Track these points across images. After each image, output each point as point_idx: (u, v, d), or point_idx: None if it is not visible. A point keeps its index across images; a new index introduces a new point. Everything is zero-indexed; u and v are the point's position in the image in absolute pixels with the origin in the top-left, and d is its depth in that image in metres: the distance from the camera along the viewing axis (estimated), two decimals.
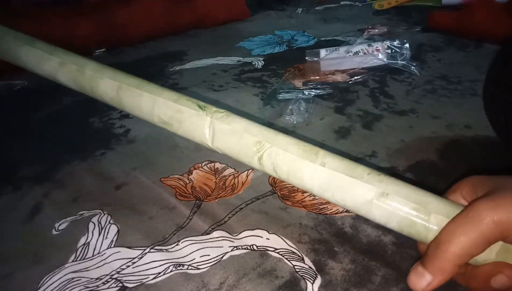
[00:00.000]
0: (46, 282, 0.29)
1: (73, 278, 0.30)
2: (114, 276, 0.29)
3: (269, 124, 0.49)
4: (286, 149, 0.26)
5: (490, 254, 0.20)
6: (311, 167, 0.24)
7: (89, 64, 0.34)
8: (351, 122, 0.48)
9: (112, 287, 0.28)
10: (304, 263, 0.29)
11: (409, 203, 0.22)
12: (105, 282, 0.29)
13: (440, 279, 0.20)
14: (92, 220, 0.35)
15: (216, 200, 0.36)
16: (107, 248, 0.32)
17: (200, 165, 0.42)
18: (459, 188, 0.23)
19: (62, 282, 0.29)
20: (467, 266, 0.21)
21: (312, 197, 0.35)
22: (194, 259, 0.30)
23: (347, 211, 0.33)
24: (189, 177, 0.40)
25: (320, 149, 0.25)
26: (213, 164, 0.42)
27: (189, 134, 0.30)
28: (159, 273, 0.29)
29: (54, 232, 0.35)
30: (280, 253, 0.30)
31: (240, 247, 0.31)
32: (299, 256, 0.29)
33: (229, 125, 0.28)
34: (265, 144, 0.26)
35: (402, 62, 0.61)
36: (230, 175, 0.40)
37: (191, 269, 0.29)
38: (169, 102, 0.30)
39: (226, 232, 0.32)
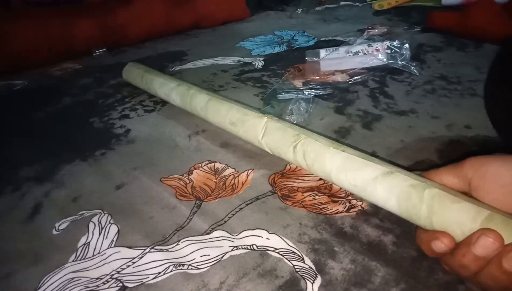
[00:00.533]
0: (46, 282, 0.29)
1: (73, 278, 0.30)
2: (114, 276, 0.29)
3: None
4: (317, 139, 0.33)
5: (475, 223, 0.23)
6: (333, 152, 0.31)
7: (193, 86, 0.49)
8: (351, 123, 0.48)
9: (112, 287, 0.28)
10: (304, 263, 0.29)
11: (409, 179, 0.26)
12: (105, 282, 0.29)
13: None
14: (92, 220, 0.35)
15: (216, 200, 0.36)
16: (107, 248, 0.32)
17: (200, 165, 0.42)
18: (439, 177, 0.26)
19: (62, 282, 0.29)
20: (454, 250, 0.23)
21: (312, 197, 0.35)
22: (194, 259, 0.30)
23: (347, 210, 0.33)
24: (189, 177, 0.40)
25: (343, 144, 0.32)
26: (213, 164, 0.42)
27: (247, 132, 0.40)
28: (159, 273, 0.29)
29: (54, 232, 0.35)
30: (280, 253, 0.30)
31: (240, 247, 0.31)
32: (299, 256, 0.29)
33: (278, 124, 0.37)
34: (301, 136, 0.34)
35: (402, 62, 0.61)
36: (230, 175, 0.40)
37: (191, 269, 0.29)
38: (240, 108, 0.41)
39: (226, 232, 0.32)
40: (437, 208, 0.24)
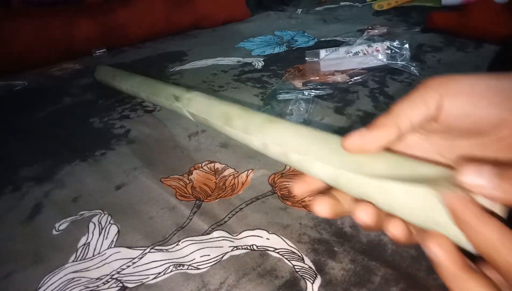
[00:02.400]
0: (46, 282, 0.30)
1: (73, 278, 0.30)
2: (114, 276, 0.29)
3: None
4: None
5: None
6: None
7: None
8: (351, 123, 0.48)
9: (113, 287, 0.28)
10: (304, 263, 0.29)
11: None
12: (105, 282, 0.29)
13: (375, 132, 0.19)
14: (92, 220, 0.35)
15: (216, 200, 0.36)
16: (107, 248, 0.32)
17: (200, 165, 0.42)
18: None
19: (63, 282, 0.29)
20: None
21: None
22: (194, 259, 0.30)
23: None
24: (189, 177, 0.40)
25: None
26: (213, 164, 0.42)
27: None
28: (159, 273, 0.29)
29: (54, 232, 0.35)
30: (280, 253, 0.30)
31: (240, 247, 0.31)
32: (299, 256, 0.29)
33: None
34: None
35: (402, 62, 0.61)
36: (230, 175, 0.40)
37: (191, 269, 0.29)
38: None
39: (226, 232, 0.32)
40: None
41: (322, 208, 0.21)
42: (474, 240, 0.16)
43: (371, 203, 0.20)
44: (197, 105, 0.33)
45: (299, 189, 0.24)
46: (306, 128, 0.24)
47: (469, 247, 0.17)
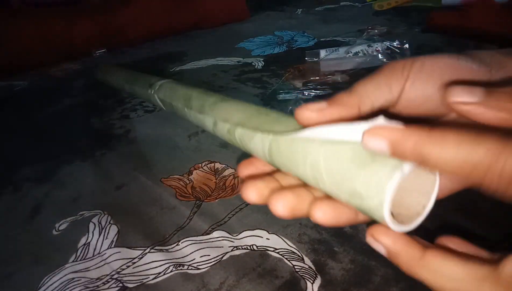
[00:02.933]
0: (46, 282, 0.30)
1: (73, 278, 0.30)
2: (114, 276, 0.29)
3: None
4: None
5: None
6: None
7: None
8: None
9: (112, 287, 0.28)
10: (304, 263, 0.29)
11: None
12: (105, 282, 0.29)
13: (335, 108, 0.18)
14: (92, 220, 0.35)
15: (216, 200, 0.36)
16: (107, 248, 0.32)
17: (200, 165, 0.42)
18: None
19: (62, 282, 0.29)
20: None
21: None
22: (194, 259, 0.30)
23: None
24: (189, 177, 0.40)
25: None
26: (213, 164, 0.42)
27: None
28: (159, 273, 0.29)
29: (54, 232, 0.35)
30: (280, 253, 0.30)
31: (240, 247, 0.31)
32: (299, 256, 0.29)
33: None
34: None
35: None
36: (230, 175, 0.40)
37: (191, 269, 0.29)
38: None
39: (226, 232, 0.32)
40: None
41: (280, 206, 0.18)
42: (421, 274, 0.16)
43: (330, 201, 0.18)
44: (165, 91, 0.34)
45: (244, 169, 0.22)
46: (256, 106, 0.23)
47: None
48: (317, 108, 0.18)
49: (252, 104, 0.24)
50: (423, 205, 0.17)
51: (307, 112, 0.18)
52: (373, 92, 0.18)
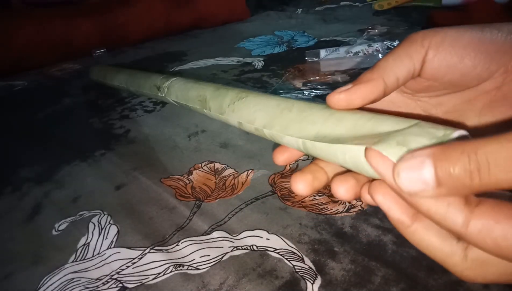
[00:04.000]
0: (46, 283, 0.29)
1: (73, 279, 0.30)
2: (114, 277, 0.29)
3: None
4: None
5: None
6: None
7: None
8: None
9: (112, 288, 0.28)
10: (304, 263, 0.29)
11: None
12: (105, 283, 0.29)
13: (362, 87, 0.19)
14: (92, 221, 0.35)
15: (216, 200, 0.36)
16: (107, 249, 0.32)
17: (200, 165, 0.42)
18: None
19: (62, 283, 0.29)
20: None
21: (312, 197, 0.35)
22: (194, 259, 0.30)
23: (347, 211, 0.33)
24: (189, 177, 0.40)
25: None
26: (213, 164, 0.42)
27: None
28: (159, 273, 0.29)
29: (54, 233, 0.35)
30: (280, 253, 0.30)
31: (240, 248, 0.31)
32: (299, 256, 0.29)
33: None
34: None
35: None
36: (230, 175, 0.40)
37: (191, 269, 0.29)
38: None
39: (226, 232, 0.32)
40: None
41: (300, 186, 0.21)
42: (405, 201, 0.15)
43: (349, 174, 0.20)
44: (176, 92, 0.33)
45: (280, 157, 0.23)
46: (274, 98, 0.23)
47: None
48: (343, 89, 0.19)
49: (269, 96, 0.24)
50: None
51: (336, 95, 0.19)
52: (395, 64, 0.19)
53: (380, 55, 0.62)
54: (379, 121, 0.17)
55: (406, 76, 0.19)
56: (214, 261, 0.30)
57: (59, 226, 0.35)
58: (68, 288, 0.29)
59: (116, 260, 0.31)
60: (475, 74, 0.18)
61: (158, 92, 0.37)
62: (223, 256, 0.30)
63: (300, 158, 0.28)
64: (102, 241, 0.33)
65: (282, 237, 0.31)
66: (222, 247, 0.31)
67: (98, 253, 0.32)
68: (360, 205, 0.34)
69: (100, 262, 0.31)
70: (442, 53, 0.18)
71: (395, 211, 0.17)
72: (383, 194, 0.17)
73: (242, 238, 0.32)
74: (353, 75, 0.61)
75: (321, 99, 0.54)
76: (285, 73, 0.65)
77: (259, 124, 0.23)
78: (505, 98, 0.18)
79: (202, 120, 0.48)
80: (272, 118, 0.22)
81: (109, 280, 0.29)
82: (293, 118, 0.21)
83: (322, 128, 0.19)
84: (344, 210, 0.33)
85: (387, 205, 0.17)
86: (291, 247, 0.30)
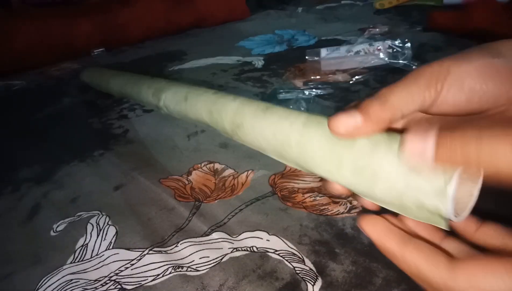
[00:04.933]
0: (44, 284, 0.29)
1: (71, 280, 0.29)
2: (113, 278, 0.29)
3: None
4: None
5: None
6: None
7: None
8: None
9: (111, 289, 0.28)
10: (304, 264, 0.28)
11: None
12: (104, 284, 0.29)
13: (370, 125, 0.18)
14: (90, 221, 0.35)
15: (216, 201, 0.36)
16: (106, 250, 0.32)
17: (199, 165, 0.42)
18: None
19: (61, 284, 0.29)
20: None
21: (313, 198, 0.35)
22: (193, 260, 0.30)
23: (348, 211, 0.33)
24: (188, 177, 0.40)
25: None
26: (212, 165, 0.41)
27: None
28: (158, 275, 0.29)
29: (52, 233, 0.34)
30: (281, 254, 0.29)
31: (240, 249, 0.30)
32: (299, 257, 0.29)
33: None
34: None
35: (404, 61, 0.61)
36: (229, 176, 0.39)
37: (190, 271, 0.29)
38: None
39: (226, 233, 0.32)
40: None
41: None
42: (400, 266, 0.18)
43: None
44: (175, 109, 0.33)
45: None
46: (268, 127, 0.23)
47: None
48: (353, 125, 0.18)
49: (262, 119, 0.24)
50: (470, 193, 0.18)
51: (342, 127, 0.18)
52: (407, 102, 0.18)
53: (381, 54, 0.62)
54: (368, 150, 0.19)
55: (413, 111, 0.19)
56: (213, 263, 0.29)
57: (58, 226, 0.35)
58: (66, 290, 0.28)
59: (115, 261, 0.31)
60: (481, 105, 0.18)
61: (158, 108, 0.37)
62: (223, 257, 0.30)
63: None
64: (101, 242, 0.33)
65: (282, 238, 0.31)
66: (221, 248, 0.31)
67: (97, 254, 0.31)
68: (361, 206, 0.34)
69: (99, 263, 0.31)
70: (454, 89, 0.18)
71: (384, 239, 0.19)
72: (372, 225, 0.19)
73: (242, 239, 0.31)
74: (354, 75, 0.60)
75: (321, 98, 0.54)
76: (285, 73, 0.64)
77: (268, 151, 0.24)
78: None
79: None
80: (280, 154, 0.23)
81: (108, 281, 0.29)
82: (299, 156, 0.21)
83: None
84: (345, 211, 0.33)
85: (376, 234, 0.19)
86: (291, 248, 0.30)
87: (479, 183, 0.18)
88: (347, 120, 0.18)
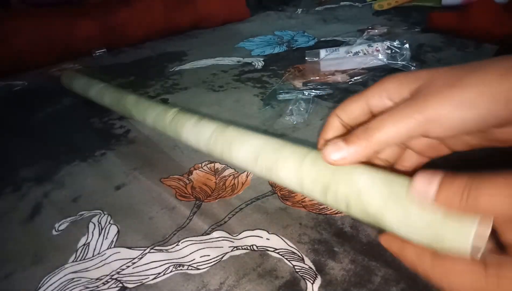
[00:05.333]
0: (46, 283, 0.29)
1: (73, 279, 0.30)
2: (114, 277, 0.29)
3: (269, 125, 0.49)
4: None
5: None
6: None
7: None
8: None
9: (112, 288, 0.28)
10: (304, 263, 0.29)
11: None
12: (105, 283, 0.29)
13: (356, 156, 0.20)
14: (92, 220, 0.35)
15: (216, 200, 0.36)
16: (107, 249, 0.32)
17: (200, 165, 0.42)
18: (383, 85, 0.22)
19: (62, 283, 0.29)
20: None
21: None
22: (194, 259, 0.30)
23: None
24: (189, 177, 0.40)
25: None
26: (213, 164, 0.42)
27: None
28: (159, 273, 0.29)
29: (54, 233, 0.35)
30: (280, 253, 0.30)
31: (240, 247, 0.31)
32: (299, 256, 0.29)
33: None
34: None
35: (402, 62, 0.61)
36: (230, 175, 0.40)
37: (191, 269, 0.29)
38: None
39: (226, 232, 0.32)
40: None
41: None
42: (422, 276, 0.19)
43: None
44: (187, 135, 0.35)
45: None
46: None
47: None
48: (337, 150, 0.21)
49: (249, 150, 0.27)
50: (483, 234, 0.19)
51: (331, 155, 0.21)
52: (392, 132, 0.20)
53: (380, 55, 0.62)
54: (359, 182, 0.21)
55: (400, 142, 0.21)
56: (214, 261, 0.30)
57: (59, 226, 0.35)
58: (68, 288, 0.29)
59: (116, 260, 0.31)
60: (484, 125, 0.19)
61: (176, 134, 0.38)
62: (223, 256, 0.30)
63: None
64: (102, 241, 0.33)
65: (282, 237, 0.31)
66: (222, 247, 0.31)
67: (98, 253, 0.32)
68: None
69: (100, 262, 0.31)
70: (446, 121, 0.19)
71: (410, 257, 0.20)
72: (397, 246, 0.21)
73: (242, 238, 0.32)
74: (353, 75, 0.61)
75: (321, 99, 0.54)
76: (285, 73, 0.65)
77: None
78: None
79: None
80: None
81: (109, 280, 0.29)
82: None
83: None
84: None
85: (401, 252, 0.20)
86: (291, 247, 0.30)
87: (489, 226, 0.18)
88: (333, 148, 0.21)
